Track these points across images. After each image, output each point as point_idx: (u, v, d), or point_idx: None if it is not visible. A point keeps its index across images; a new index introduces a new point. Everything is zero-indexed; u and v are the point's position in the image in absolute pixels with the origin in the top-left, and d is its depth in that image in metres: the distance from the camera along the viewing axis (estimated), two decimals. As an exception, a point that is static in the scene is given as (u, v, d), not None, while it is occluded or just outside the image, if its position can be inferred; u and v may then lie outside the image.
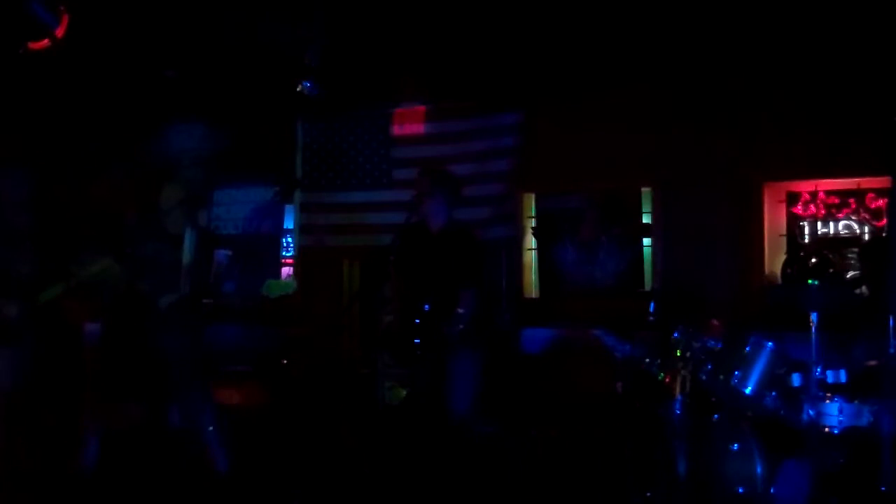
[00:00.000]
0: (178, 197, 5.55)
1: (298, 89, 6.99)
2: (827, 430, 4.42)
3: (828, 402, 4.45)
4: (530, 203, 7.99)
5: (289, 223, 8.62)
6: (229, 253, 5.74)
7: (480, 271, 5.60)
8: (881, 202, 6.73)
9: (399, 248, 5.65)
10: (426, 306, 5.35)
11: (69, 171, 6.25)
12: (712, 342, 4.84)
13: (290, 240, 8.66)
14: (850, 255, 6.80)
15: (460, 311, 5.31)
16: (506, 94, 7.60)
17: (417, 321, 5.36)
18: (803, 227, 7.00)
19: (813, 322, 4.49)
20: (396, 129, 8.15)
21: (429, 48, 6.98)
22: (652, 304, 5.20)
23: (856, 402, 4.43)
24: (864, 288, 6.58)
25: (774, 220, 7.13)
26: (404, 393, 6.82)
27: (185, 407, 5.30)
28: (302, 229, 8.49)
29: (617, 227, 7.41)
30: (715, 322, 5.08)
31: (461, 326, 5.31)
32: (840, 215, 6.90)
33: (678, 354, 4.79)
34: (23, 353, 5.09)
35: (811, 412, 4.44)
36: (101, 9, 6.15)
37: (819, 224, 6.96)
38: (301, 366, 7.49)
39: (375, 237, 7.71)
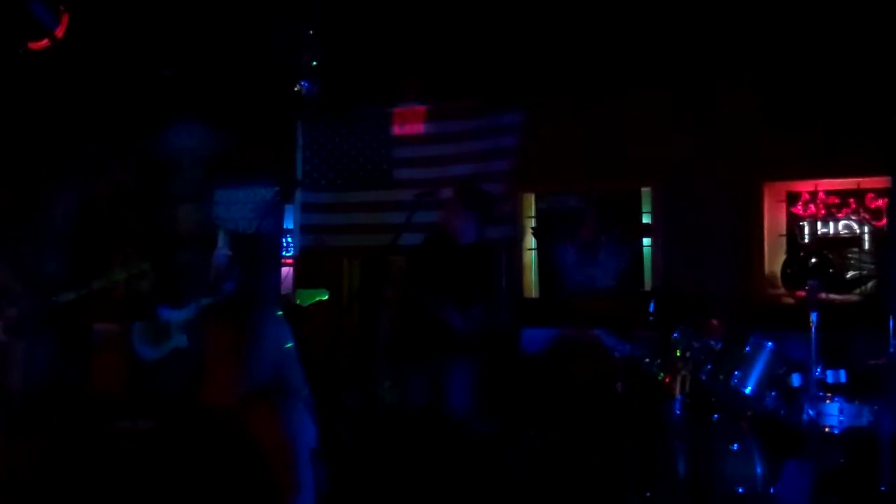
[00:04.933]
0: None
1: (297, 89, 6.99)
2: (827, 430, 4.43)
3: (828, 402, 4.46)
4: (530, 203, 7.99)
5: (289, 223, 8.62)
6: (229, 253, 5.73)
7: (491, 286, 5.65)
8: (881, 202, 6.73)
9: (419, 255, 5.66)
10: (432, 302, 5.37)
11: (69, 173, 6.26)
12: (712, 342, 4.84)
13: (290, 240, 8.66)
14: (850, 255, 6.80)
15: (476, 309, 5.35)
16: (506, 93, 7.59)
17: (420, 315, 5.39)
18: (803, 227, 6.99)
19: (813, 322, 4.49)
20: (396, 129, 8.14)
21: (429, 48, 6.98)
22: (652, 304, 5.20)
23: (856, 402, 4.44)
24: (863, 288, 6.60)
25: (774, 220, 7.13)
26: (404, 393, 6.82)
27: None
28: (302, 229, 8.49)
29: (617, 227, 7.39)
30: (715, 322, 5.08)
31: (471, 325, 5.33)
32: (840, 215, 6.90)
33: (678, 354, 4.78)
34: (35, 351, 5.11)
35: (811, 412, 4.44)
36: (101, 9, 6.15)
37: (819, 224, 6.96)
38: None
39: (375, 237, 7.70)
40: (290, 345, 3.43)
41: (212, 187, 8.18)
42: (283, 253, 8.69)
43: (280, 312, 3.42)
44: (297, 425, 3.16)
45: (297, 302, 5.24)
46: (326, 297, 5.40)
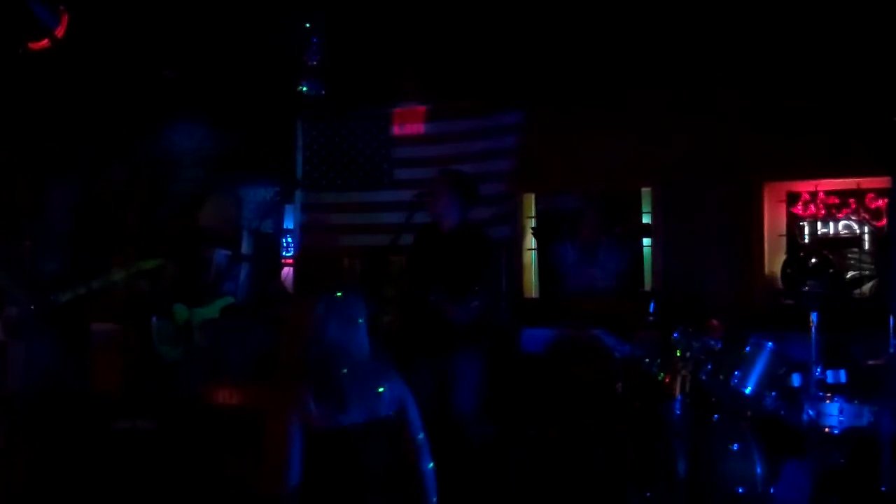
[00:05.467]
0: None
1: (300, 89, 6.99)
2: (827, 430, 4.43)
3: (828, 402, 4.46)
4: (530, 203, 7.99)
5: (289, 223, 8.62)
6: (229, 253, 5.76)
7: (490, 273, 5.61)
8: (881, 202, 6.73)
9: (412, 248, 5.67)
10: (432, 297, 5.37)
11: (69, 173, 6.27)
12: (712, 342, 4.84)
13: (290, 240, 8.66)
14: (850, 255, 6.80)
15: (474, 303, 5.34)
16: (506, 94, 7.59)
17: (423, 313, 5.39)
18: (803, 227, 6.99)
19: (813, 322, 4.49)
20: (396, 129, 8.14)
21: (429, 48, 6.98)
22: (652, 304, 5.20)
23: (856, 402, 4.44)
24: (864, 288, 6.59)
25: (774, 220, 7.13)
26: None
27: None
28: (302, 229, 8.49)
29: (617, 227, 7.40)
30: (715, 322, 5.08)
31: (468, 318, 5.32)
32: (840, 215, 6.90)
33: (678, 354, 4.78)
34: (35, 351, 5.12)
35: (811, 412, 4.44)
36: (101, 9, 6.15)
37: (819, 224, 6.96)
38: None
39: (375, 237, 7.70)
40: (364, 349, 3.41)
41: (236, 185, 8.17)
42: (283, 253, 8.70)
43: (361, 320, 3.43)
44: (310, 416, 3.18)
45: None
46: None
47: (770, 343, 4.69)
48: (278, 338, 3.34)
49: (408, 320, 5.60)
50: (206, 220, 5.83)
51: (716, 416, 4.86)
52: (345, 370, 3.26)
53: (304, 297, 3.46)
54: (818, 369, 4.51)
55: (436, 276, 5.48)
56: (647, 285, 7.40)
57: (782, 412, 4.61)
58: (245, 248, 5.80)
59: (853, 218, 6.85)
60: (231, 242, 5.77)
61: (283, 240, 8.65)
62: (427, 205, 5.62)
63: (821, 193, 6.96)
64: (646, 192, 7.59)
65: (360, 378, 3.30)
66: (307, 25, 6.77)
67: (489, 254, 5.69)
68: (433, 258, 5.56)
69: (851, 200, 6.88)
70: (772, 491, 4.50)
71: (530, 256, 7.97)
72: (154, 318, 5.57)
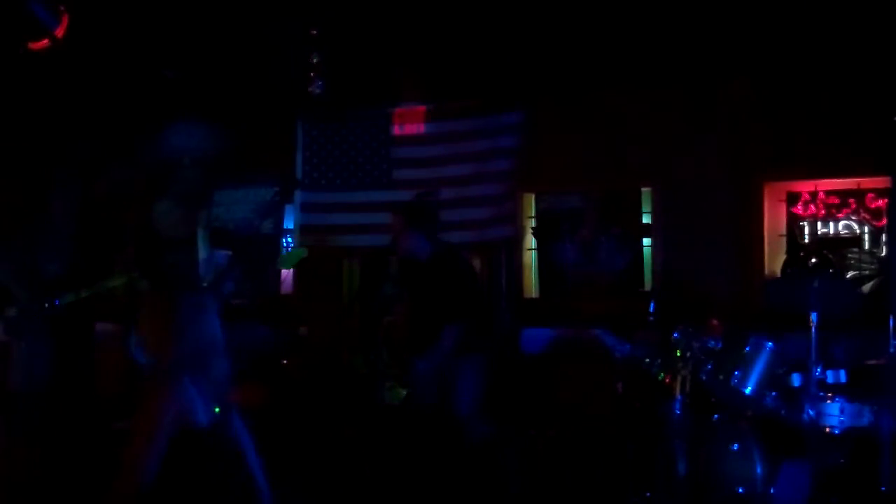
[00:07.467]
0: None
1: (310, 89, 6.98)
2: (827, 430, 4.43)
3: (828, 402, 4.47)
4: (530, 203, 7.99)
5: (289, 223, 8.62)
6: (229, 253, 5.74)
7: (467, 298, 5.51)
8: (881, 202, 6.74)
9: (400, 271, 5.66)
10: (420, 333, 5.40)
11: (69, 173, 6.26)
12: (712, 342, 4.85)
13: (290, 240, 8.66)
14: (850, 255, 6.81)
15: (436, 346, 5.32)
16: (506, 93, 7.59)
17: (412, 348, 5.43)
18: (803, 227, 7.00)
19: (813, 322, 4.49)
20: (396, 129, 8.14)
21: (429, 48, 6.98)
22: (652, 304, 5.20)
23: (856, 402, 4.44)
24: (864, 288, 6.60)
25: (774, 220, 7.14)
26: (404, 393, 6.83)
27: None
28: (302, 229, 8.49)
29: (617, 227, 7.41)
30: (715, 322, 5.09)
31: (431, 365, 5.33)
32: (840, 215, 6.90)
33: (678, 354, 4.78)
34: (38, 351, 5.12)
35: (811, 412, 4.45)
36: (101, 9, 6.15)
37: (819, 224, 6.96)
38: (301, 366, 7.49)
39: (375, 237, 7.70)
40: (214, 333, 3.44)
41: (212, 187, 8.17)
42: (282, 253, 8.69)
43: (210, 303, 3.46)
44: (180, 411, 3.18)
45: (280, 268, 5.29)
46: (306, 255, 5.38)
47: (770, 343, 4.69)
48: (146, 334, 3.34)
49: (413, 321, 5.61)
50: (159, 223, 5.74)
51: (716, 416, 4.86)
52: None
53: (160, 293, 3.47)
54: (818, 369, 4.51)
55: (419, 303, 5.49)
56: (647, 285, 7.40)
57: (782, 412, 4.61)
58: (203, 248, 5.70)
59: (853, 218, 6.86)
60: (187, 244, 5.67)
61: (283, 240, 8.66)
62: (395, 247, 5.59)
63: (821, 193, 6.97)
64: (646, 192, 7.59)
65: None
66: (307, 26, 6.77)
67: (460, 277, 5.57)
68: (415, 286, 5.57)
69: (851, 200, 6.89)
70: (772, 491, 4.51)
71: (530, 256, 7.97)
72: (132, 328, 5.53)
